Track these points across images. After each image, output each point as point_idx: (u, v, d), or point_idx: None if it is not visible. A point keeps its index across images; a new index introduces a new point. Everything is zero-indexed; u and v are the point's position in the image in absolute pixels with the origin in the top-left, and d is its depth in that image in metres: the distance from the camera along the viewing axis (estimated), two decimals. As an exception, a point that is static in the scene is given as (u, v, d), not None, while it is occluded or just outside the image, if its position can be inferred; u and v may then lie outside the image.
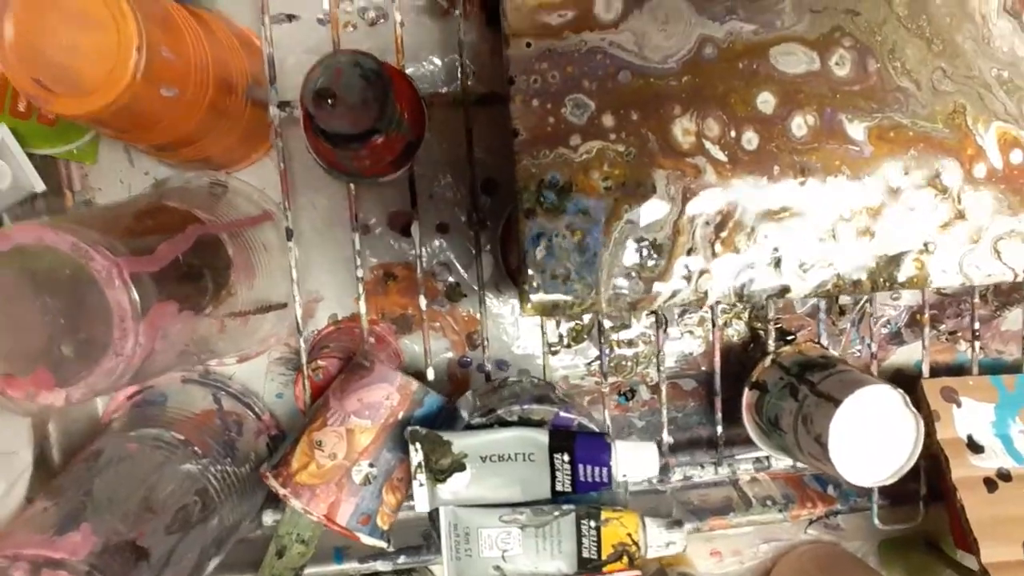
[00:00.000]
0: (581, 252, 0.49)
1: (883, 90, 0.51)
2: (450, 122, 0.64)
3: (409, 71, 0.64)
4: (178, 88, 0.51)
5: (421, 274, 0.58)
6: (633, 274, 0.49)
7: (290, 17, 0.63)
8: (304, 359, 0.58)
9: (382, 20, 0.64)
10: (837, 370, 0.55)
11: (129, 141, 0.59)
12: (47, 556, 0.45)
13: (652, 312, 0.64)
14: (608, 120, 0.49)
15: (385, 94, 0.47)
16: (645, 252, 0.49)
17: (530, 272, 0.48)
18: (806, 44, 0.50)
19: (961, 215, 0.52)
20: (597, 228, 0.49)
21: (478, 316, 0.65)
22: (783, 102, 0.50)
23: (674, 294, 0.49)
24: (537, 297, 0.48)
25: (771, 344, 0.62)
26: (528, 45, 0.48)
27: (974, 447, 0.59)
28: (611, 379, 0.68)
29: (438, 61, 0.64)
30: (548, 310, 0.49)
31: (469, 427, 0.48)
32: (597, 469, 0.47)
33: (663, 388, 0.62)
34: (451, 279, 0.66)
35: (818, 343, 0.63)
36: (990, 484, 0.58)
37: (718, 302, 0.50)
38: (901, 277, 0.51)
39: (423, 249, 0.66)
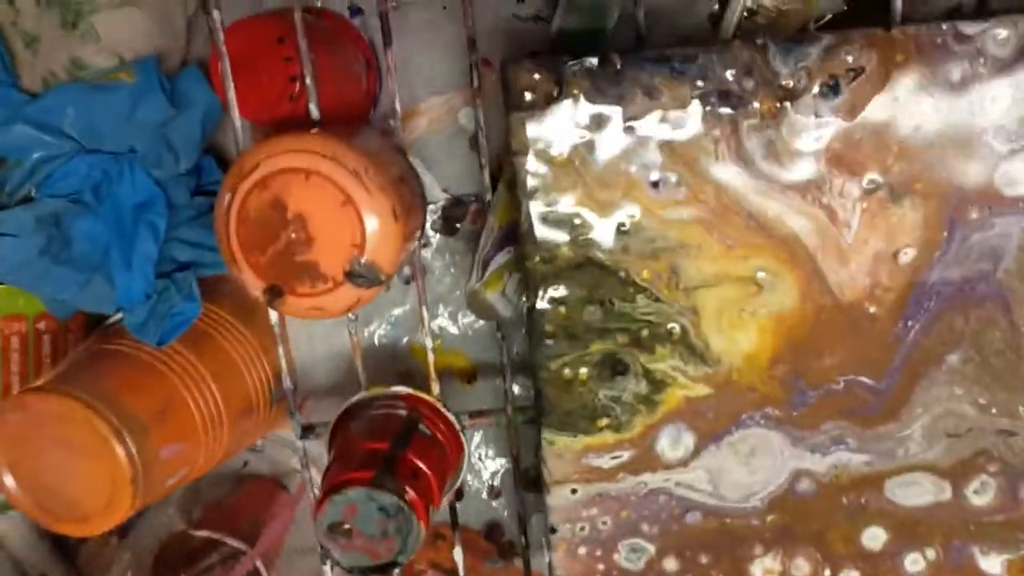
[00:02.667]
0: None
1: (1035, 519, 0.39)
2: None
3: (454, 330, 0.56)
4: (188, 467, 0.46)
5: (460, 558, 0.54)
6: None
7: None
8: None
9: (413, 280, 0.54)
10: None
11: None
12: None
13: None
14: (671, 564, 0.40)
15: (409, 524, 0.41)
16: None
17: None
18: (936, 473, 0.39)
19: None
20: (655, 671, 0.42)
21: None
22: (897, 537, 0.40)
23: None
24: None
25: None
26: (574, 492, 0.39)
27: None
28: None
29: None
30: None
31: None
32: None
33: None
34: (505, 537, 0.61)
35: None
36: None
37: None
38: None
39: (473, 509, 0.60)
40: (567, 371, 0.37)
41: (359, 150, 0.38)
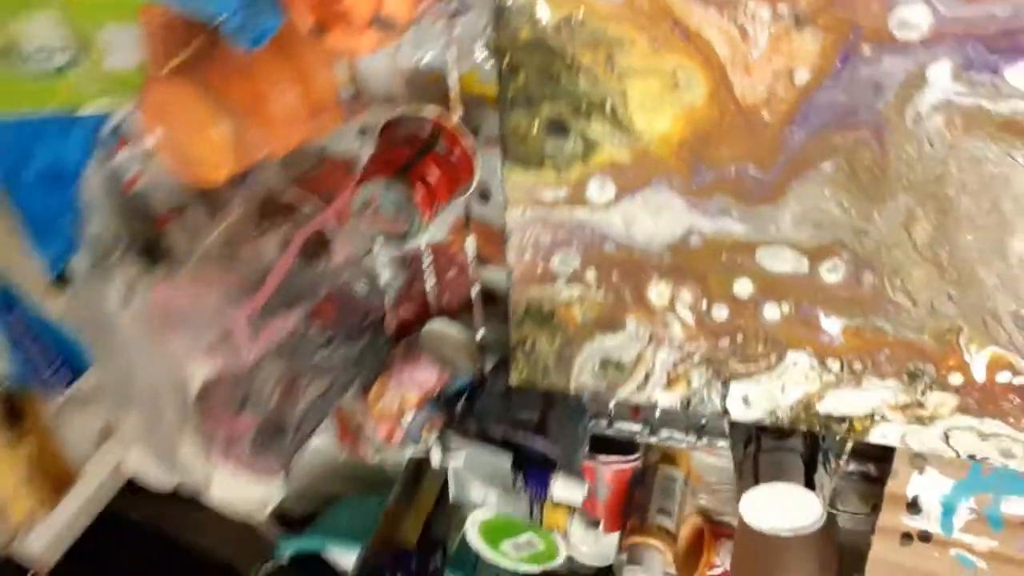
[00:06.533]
0: (558, 357, 0.60)
1: (873, 301, 0.50)
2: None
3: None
4: (271, 146, 0.63)
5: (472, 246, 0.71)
6: (599, 377, 0.60)
7: None
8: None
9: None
10: (786, 447, 0.65)
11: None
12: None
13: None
14: (590, 274, 0.55)
15: (414, 213, 0.57)
16: (611, 367, 0.59)
17: (516, 373, 0.61)
18: (798, 249, 0.49)
19: (920, 405, 0.54)
20: (572, 343, 0.59)
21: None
22: (760, 291, 0.52)
23: (630, 395, 0.61)
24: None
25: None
26: (524, 212, 0.53)
27: (913, 507, 0.68)
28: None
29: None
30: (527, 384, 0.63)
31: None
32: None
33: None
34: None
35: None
36: (906, 538, 0.68)
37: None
38: (838, 428, 0.57)
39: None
40: (523, 124, 0.49)
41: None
